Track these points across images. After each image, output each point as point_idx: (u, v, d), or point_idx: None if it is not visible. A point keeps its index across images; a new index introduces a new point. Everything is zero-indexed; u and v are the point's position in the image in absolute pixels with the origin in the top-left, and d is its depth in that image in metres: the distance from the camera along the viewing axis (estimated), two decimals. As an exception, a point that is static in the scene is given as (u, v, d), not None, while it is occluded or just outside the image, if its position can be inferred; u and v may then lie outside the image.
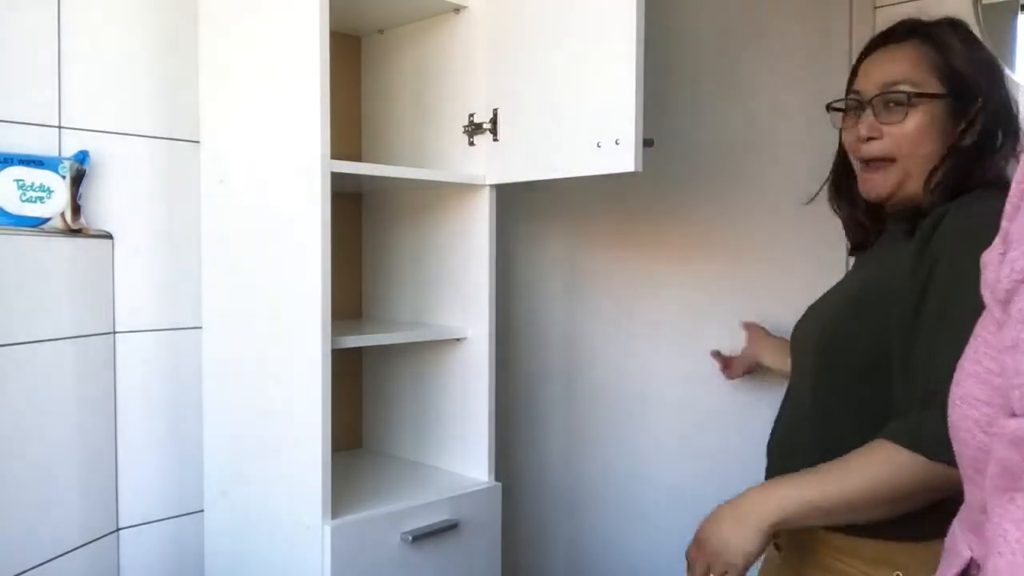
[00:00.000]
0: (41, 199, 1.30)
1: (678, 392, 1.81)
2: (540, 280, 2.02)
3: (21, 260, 1.25)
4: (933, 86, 1.08)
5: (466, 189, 1.50)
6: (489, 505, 1.49)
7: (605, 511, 1.92)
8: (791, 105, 1.65)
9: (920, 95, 1.08)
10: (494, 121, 1.45)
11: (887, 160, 1.11)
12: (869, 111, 1.11)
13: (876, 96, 1.10)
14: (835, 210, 1.23)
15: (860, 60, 1.16)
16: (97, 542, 1.39)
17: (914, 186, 1.10)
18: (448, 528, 1.41)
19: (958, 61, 1.08)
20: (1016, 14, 1.99)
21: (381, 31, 1.70)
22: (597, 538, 1.94)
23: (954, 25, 1.11)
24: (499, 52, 1.44)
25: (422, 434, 1.65)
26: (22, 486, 1.25)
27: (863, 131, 1.11)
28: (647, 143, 1.25)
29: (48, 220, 1.31)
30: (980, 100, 1.07)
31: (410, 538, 1.35)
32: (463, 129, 1.50)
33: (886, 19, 2.16)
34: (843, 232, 1.26)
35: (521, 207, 2.00)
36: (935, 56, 1.09)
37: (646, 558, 1.83)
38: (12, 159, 1.28)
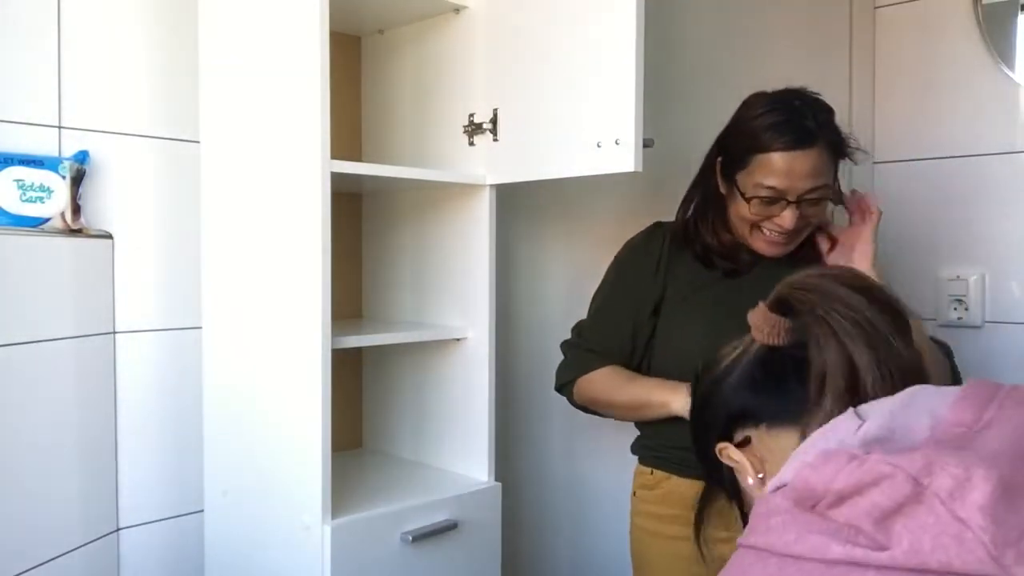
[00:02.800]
0: (41, 199, 1.30)
1: (678, 392, 1.80)
2: (540, 280, 2.01)
3: (21, 260, 1.25)
4: (832, 177, 1.34)
5: (466, 189, 1.50)
6: (489, 505, 1.49)
7: (605, 511, 1.92)
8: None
9: (831, 188, 1.33)
10: (494, 121, 1.45)
11: (797, 233, 1.35)
12: (793, 207, 1.30)
13: (805, 195, 1.30)
14: (692, 236, 1.43)
15: (761, 152, 1.30)
16: (97, 542, 1.39)
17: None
18: (448, 528, 1.40)
19: (842, 150, 1.34)
20: (1016, 14, 1.99)
21: (381, 31, 1.70)
22: (597, 538, 1.94)
23: (830, 111, 1.33)
24: (499, 52, 1.44)
25: (422, 434, 1.65)
26: (22, 486, 1.25)
27: (792, 223, 1.31)
28: (647, 143, 1.25)
29: (48, 220, 1.31)
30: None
31: (410, 538, 1.35)
32: (463, 129, 1.50)
33: (886, 19, 2.16)
34: None
35: (521, 207, 2.00)
36: (832, 156, 1.32)
37: (646, 558, 1.83)
38: (12, 159, 1.28)
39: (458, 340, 1.54)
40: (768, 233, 1.34)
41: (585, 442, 1.96)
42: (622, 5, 1.22)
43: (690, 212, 1.45)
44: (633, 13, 1.21)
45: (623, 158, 1.23)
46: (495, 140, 1.45)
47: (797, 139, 1.28)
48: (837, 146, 1.32)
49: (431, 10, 1.54)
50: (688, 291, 1.43)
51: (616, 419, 1.52)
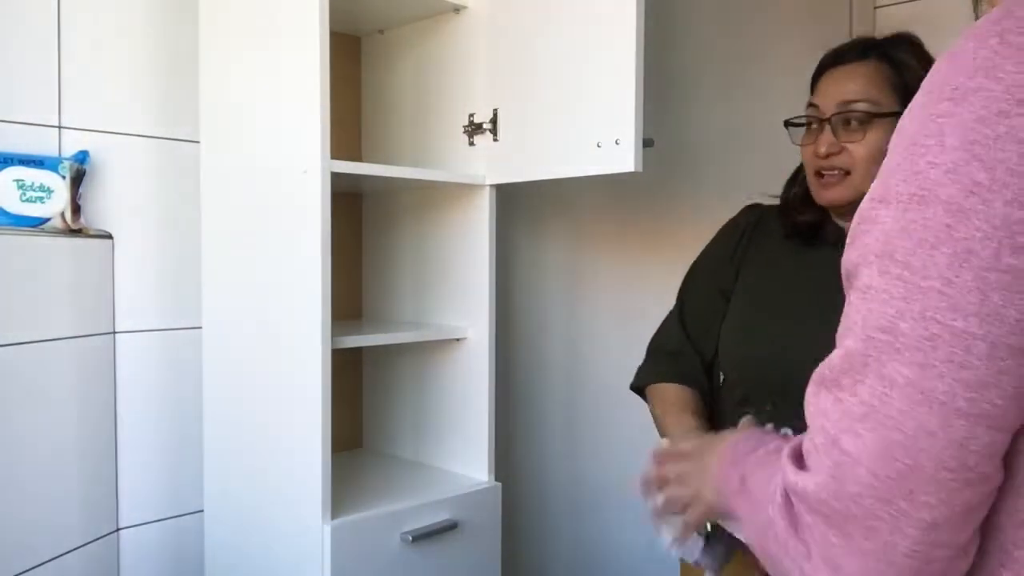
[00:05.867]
0: (41, 199, 1.30)
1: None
2: (540, 280, 2.02)
3: (21, 260, 1.25)
4: (890, 104, 1.11)
5: (466, 189, 1.50)
6: (489, 505, 1.49)
7: (605, 511, 1.92)
8: (791, 105, 1.65)
9: (878, 114, 1.10)
10: (494, 121, 1.44)
11: (844, 172, 1.14)
12: (828, 128, 1.13)
13: (835, 114, 1.13)
14: (795, 215, 1.25)
15: (817, 75, 1.18)
16: (97, 542, 1.39)
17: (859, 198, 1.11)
18: (448, 528, 1.40)
19: (915, 80, 1.04)
20: (1016, 14, 1.99)
21: (381, 31, 1.70)
22: (597, 538, 1.94)
23: (911, 42, 1.15)
24: (499, 52, 1.44)
25: (422, 434, 1.65)
26: (22, 486, 1.25)
27: (822, 149, 1.14)
28: (647, 143, 1.25)
29: (48, 220, 1.31)
30: None
31: (410, 538, 1.35)
32: (463, 129, 1.50)
33: (886, 19, 2.16)
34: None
35: (521, 207, 2.00)
36: (892, 74, 1.12)
37: (647, 557, 1.83)
38: (12, 159, 1.28)
39: (458, 340, 1.54)
40: (812, 174, 1.18)
41: (585, 442, 1.96)
42: (622, 5, 1.22)
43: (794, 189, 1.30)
44: (633, 13, 1.21)
45: (623, 158, 1.23)
46: (495, 140, 1.45)
47: (839, 53, 1.16)
48: (900, 67, 1.12)
49: (431, 10, 1.54)
50: (754, 278, 1.29)
51: None
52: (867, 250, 0.54)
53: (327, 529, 1.26)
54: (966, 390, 0.49)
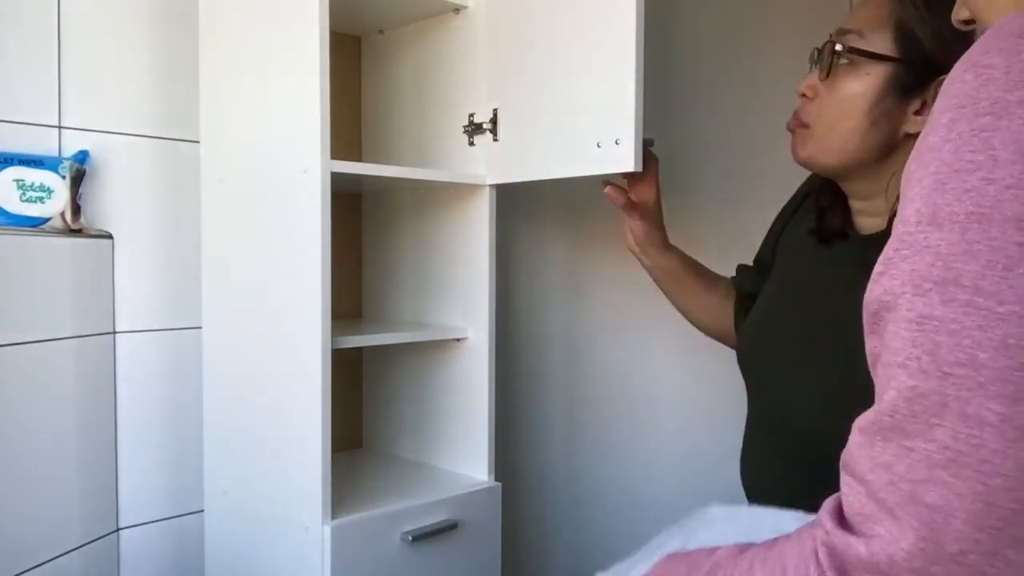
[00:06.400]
0: (41, 199, 1.30)
1: (678, 391, 1.81)
2: (540, 280, 2.02)
3: (21, 260, 1.25)
4: (880, 45, 0.93)
5: (466, 189, 1.50)
6: (489, 505, 1.49)
7: (605, 511, 1.92)
8: (791, 104, 1.65)
9: (856, 51, 0.93)
10: (494, 121, 1.44)
11: (802, 126, 1.00)
12: (815, 68, 0.97)
13: (825, 44, 0.96)
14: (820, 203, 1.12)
15: None
16: (97, 542, 1.39)
17: (830, 161, 0.98)
18: (448, 528, 1.40)
19: (922, 27, 0.91)
20: (1016, 14, 1.99)
21: (381, 31, 1.70)
22: (598, 538, 1.94)
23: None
24: (499, 52, 1.44)
25: (422, 434, 1.65)
26: (22, 486, 1.25)
27: (800, 87, 1.00)
28: (647, 142, 1.25)
29: (48, 220, 1.31)
30: (938, 79, 0.90)
31: (410, 538, 1.35)
32: (463, 129, 1.50)
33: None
34: None
35: (521, 207, 2.00)
36: (899, 13, 0.93)
37: (646, 558, 1.83)
38: (12, 159, 1.28)
39: (458, 340, 1.54)
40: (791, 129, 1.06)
41: (585, 442, 1.96)
42: (623, 4, 1.22)
43: None
44: (633, 13, 1.21)
45: (623, 158, 1.23)
46: (495, 140, 1.45)
47: None
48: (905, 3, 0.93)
49: (431, 10, 1.54)
50: (776, 274, 1.21)
51: None
52: (916, 278, 0.50)
53: (327, 529, 1.26)
54: None
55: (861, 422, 0.53)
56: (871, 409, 0.52)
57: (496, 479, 1.52)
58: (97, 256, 1.39)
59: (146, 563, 1.47)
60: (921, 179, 0.52)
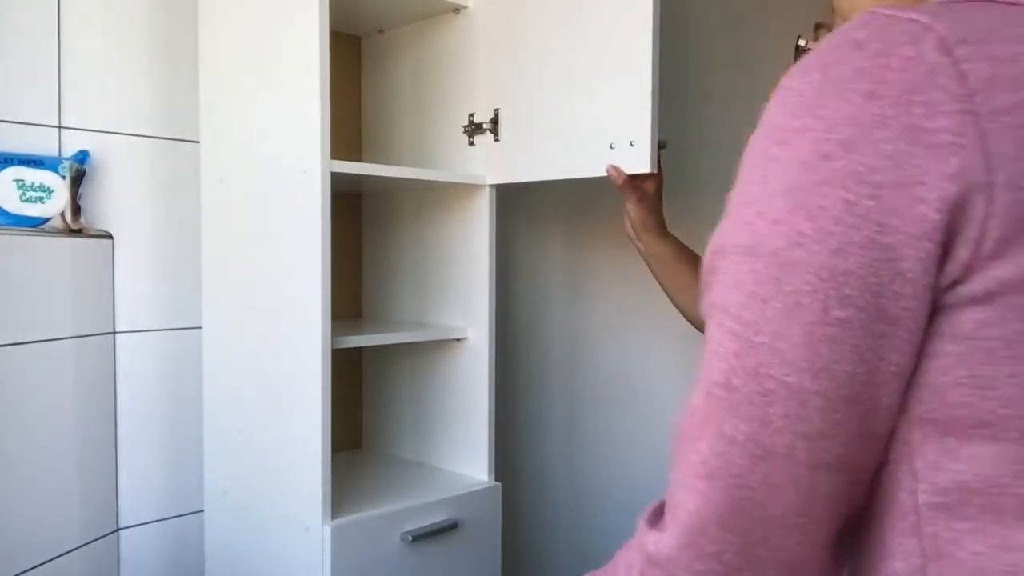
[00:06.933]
0: (41, 199, 1.30)
1: (678, 391, 1.81)
2: (540, 280, 2.02)
3: (21, 260, 1.25)
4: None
5: (466, 189, 1.50)
6: (489, 505, 1.49)
7: (605, 510, 1.92)
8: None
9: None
10: (495, 121, 1.44)
11: None
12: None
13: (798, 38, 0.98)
14: None
15: None
16: (97, 542, 1.39)
17: None
18: (448, 528, 1.40)
19: None
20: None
21: (381, 31, 1.70)
22: (598, 538, 1.94)
23: None
24: (501, 52, 1.44)
25: (422, 434, 1.65)
26: (22, 486, 1.25)
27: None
28: (661, 144, 1.24)
29: (48, 220, 1.31)
30: None
31: (410, 538, 1.35)
32: (463, 129, 1.50)
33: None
34: None
35: (521, 207, 2.00)
36: None
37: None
38: (12, 159, 1.28)
39: (458, 340, 1.54)
40: None
41: (585, 442, 1.96)
42: (637, 6, 1.22)
43: None
44: (650, 12, 1.20)
45: (638, 159, 1.22)
46: (496, 140, 1.45)
47: None
48: None
49: (431, 10, 1.54)
50: None
51: None
52: (710, 302, 0.53)
53: (327, 529, 1.26)
54: (806, 443, 0.49)
55: (675, 427, 0.57)
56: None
57: (496, 479, 1.52)
58: (97, 256, 1.39)
59: (146, 563, 1.47)
60: (734, 192, 0.54)
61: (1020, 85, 0.45)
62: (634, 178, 1.30)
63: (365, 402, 1.78)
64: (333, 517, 1.27)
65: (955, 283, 0.46)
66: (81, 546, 1.35)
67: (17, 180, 1.28)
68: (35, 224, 1.30)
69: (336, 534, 1.27)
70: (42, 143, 1.33)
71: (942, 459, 0.48)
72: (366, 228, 1.76)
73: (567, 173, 1.34)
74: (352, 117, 1.74)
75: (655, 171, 1.21)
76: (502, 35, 1.44)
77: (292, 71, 1.28)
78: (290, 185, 1.29)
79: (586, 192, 1.89)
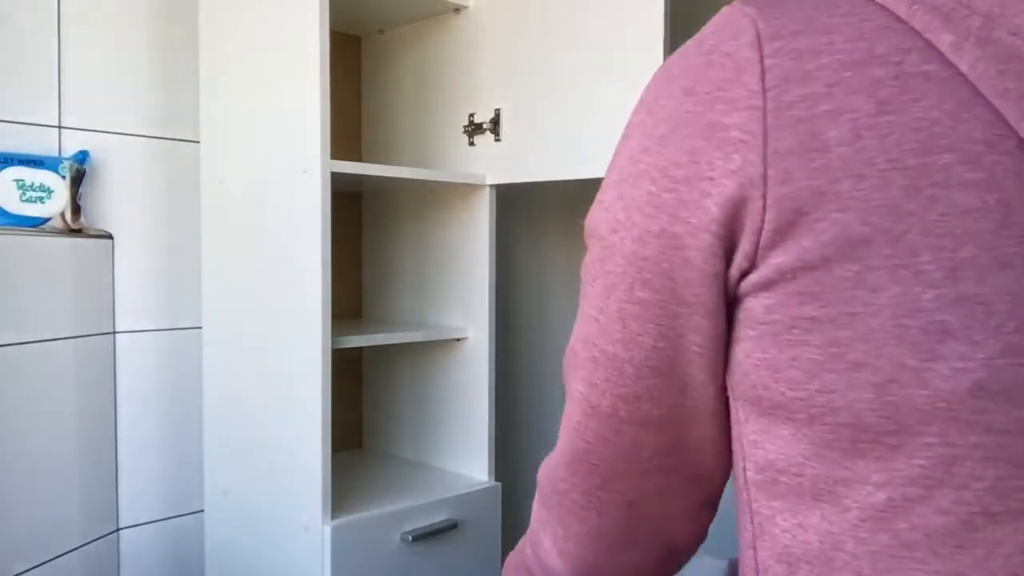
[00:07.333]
0: (41, 199, 1.30)
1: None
2: (540, 280, 2.02)
3: (21, 260, 1.25)
4: None
5: (466, 189, 1.50)
6: (489, 505, 1.49)
7: (605, 511, 1.92)
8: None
9: None
10: (495, 121, 1.44)
11: None
12: None
13: None
14: None
15: None
16: (97, 542, 1.39)
17: None
18: (448, 528, 1.40)
19: None
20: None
21: (381, 31, 1.70)
22: (597, 538, 1.94)
23: None
24: (503, 52, 1.44)
25: (422, 434, 1.65)
26: (22, 486, 1.25)
27: None
28: None
29: (48, 220, 1.31)
30: None
31: (410, 538, 1.35)
32: (463, 129, 1.50)
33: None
34: None
35: (521, 207, 2.00)
36: None
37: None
38: (12, 159, 1.28)
39: (458, 340, 1.54)
40: None
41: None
42: (648, 8, 1.21)
43: None
44: (660, 12, 1.20)
45: None
46: (497, 140, 1.45)
47: None
48: None
49: (431, 10, 1.54)
50: None
51: None
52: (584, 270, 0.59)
53: (327, 529, 1.26)
54: (625, 404, 0.55)
55: None
56: None
57: (496, 479, 1.52)
58: (97, 256, 1.39)
59: (146, 563, 1.47)
60: None
61: (813, 78, 0.46)
62: None
63: (365, 402, 1.78)
64: (333, 517, 1.27)
65: (745, 272, 0.48)
66: (81, 546, 1.35)
67: (17, 180, 1.28)
68: (35, 224, 1.30)
69: (336, 534, 1.27)
70: (42, 143, 1.33)
71: (760, 438, 0.51)
72: (366, 228, 1.76)
73: (571, 174, 1.34)
74: (352, 117, 1.74)
75: None
76: (503, 35, 1.44)
77: (292, 71, 1.28)
78: (290, 185, 1.29)
79: (587, 192, 1.89)
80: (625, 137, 0.54)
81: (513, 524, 1.86)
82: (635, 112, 0.54)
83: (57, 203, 1.32)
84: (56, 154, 1.34)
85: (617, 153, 0.54)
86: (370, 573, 1.32)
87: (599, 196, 0.55)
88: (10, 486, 1.24)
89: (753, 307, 0.49)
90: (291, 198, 1.29)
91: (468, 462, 1.55)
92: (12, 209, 1.28)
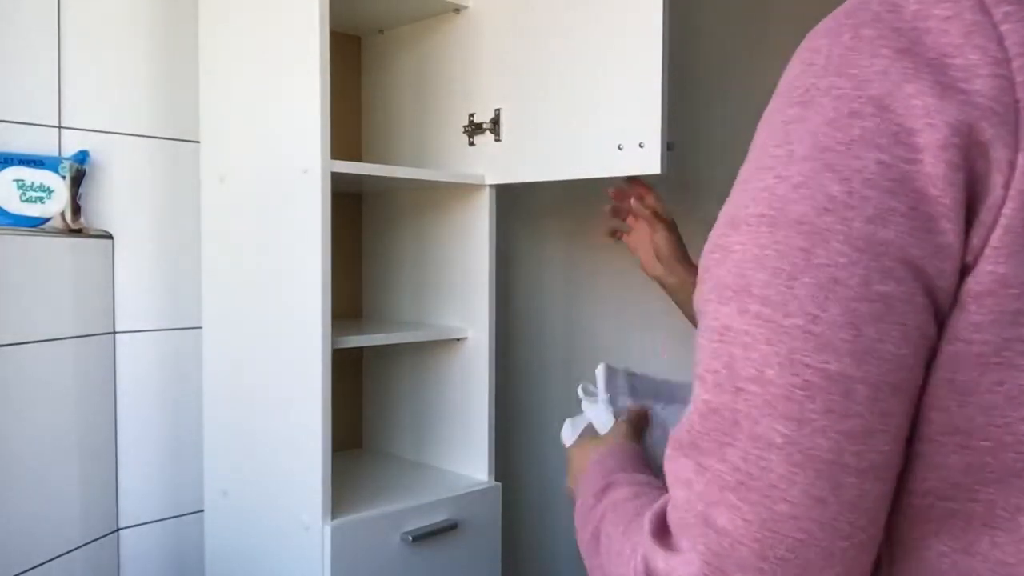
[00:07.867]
0: (41, 199, 1.30)
1: (678, 392, 1.81)
2: (540, 280, 2.02)
3: (21, 260, 1.25)
4: None
5: (466, 189, 1.50)
6: (489, 505, 1.49)
7: (605, 511, 1.92)
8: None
9: None
10: (495, 121, 1.44)
11: None
12: None
13: None
14: None
15: None
16: (97, 542, 1.39)
17: None
18: (448, 528, 1.40)
19: None
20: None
21: (381, 31, 1.70)
22: (597, 538, 1.94)
23: None
24: (503, 52, 1.44)
25: (422, 434, 1.65)
26: (22, 486, 1.25)
27: None
28: (669, 145, 1.23)
29: (48, 220, 1.31)
30: None
31: (410, 538, 1.35)
32: (463, 129, 1.50)
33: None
34: None
35: (521, 207, 2.00)
36: None
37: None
38: (12, 159, 1.28)
39: (458, 340, 1.54)
40: None
41: (585, 442, 1.96)
42: (645, 6, 1.21)
43: None
44: (659, 10, 1.20)
45: (648, 160, 1.22)
46: (497, 140, 1.45)
47: None
48: None
49: (431, 10, 1.54)
50: None
51: None
52: (720, 285, 0.46)
53: (327, 529, 1.26)
54: (852, 443, 0.42)
55: (672, 437, 0.50)
56: (680, 423, 0.49)
57: (496, 479, 1.52)
58: (97, 256, 1.39)
59: (146, 563, 1.47)
60: (740, 173, 0.48)
61: None
62: (646, 199, 1.27)
63: (365, 402, 1.78)
64: (333, 517, 1.27)
65: (964, 271, 0.42)
66: (81, 546, 1.35)
67: (17, 180, 1.28)
68: (35, 224, 1.30)
69: (336, 534, 1.27)
70: (42, 143, 1.33)
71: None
72: (366, 228, 1.76)
73: (572, 174, 1.34)
74: (352, 117, 1.74)
75: (665, 172, 1.20)
76: (503, 35, 1.44)
77: (292, 71, 1.28)
78: (290, 185, 1.29)
79: (586, 192, 1.89)
80: (803, 103, 0.44)
81: (513, 524, 1.86)
82: (809, 76, 0.45)
83: (57, 203, 1.32)
84: (56, 154, 1.34)
85: (791, 122, 0.45)
86: (370, 573, 1.32)
87: (767, 174, 0.45)
88: (10, 486, 1.24)
89: (958, 319, 0.42)
90: (291, 198, 1.29)
91: (468, 462, 1.55)
92: (12, 209, 1.28)
